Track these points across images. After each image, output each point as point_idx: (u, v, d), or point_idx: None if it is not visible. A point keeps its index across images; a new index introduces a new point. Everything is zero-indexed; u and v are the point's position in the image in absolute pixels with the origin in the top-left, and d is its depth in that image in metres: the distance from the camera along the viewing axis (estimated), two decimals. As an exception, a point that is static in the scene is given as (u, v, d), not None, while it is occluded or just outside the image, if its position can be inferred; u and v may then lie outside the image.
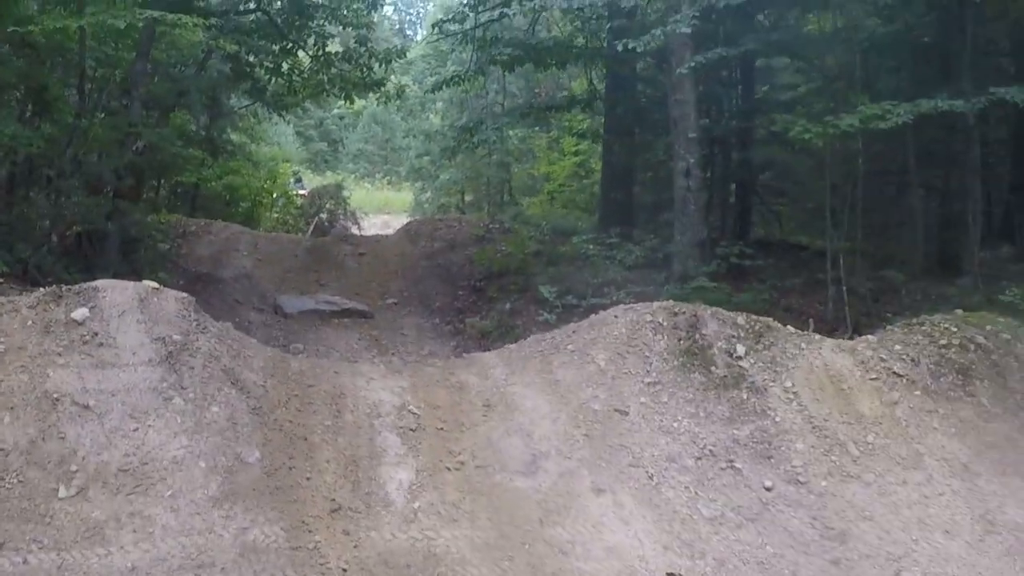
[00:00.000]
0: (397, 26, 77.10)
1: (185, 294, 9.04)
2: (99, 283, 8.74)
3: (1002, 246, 17.19)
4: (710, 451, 8.70)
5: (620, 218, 18.71)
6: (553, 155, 28.59)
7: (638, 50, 14.74)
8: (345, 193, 29.71)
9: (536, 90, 29.50)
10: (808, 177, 17.49)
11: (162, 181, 23.55)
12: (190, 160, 19.63)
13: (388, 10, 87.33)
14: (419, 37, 76.99)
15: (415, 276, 19.19)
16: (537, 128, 28.35)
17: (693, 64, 14.54)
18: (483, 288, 17.57)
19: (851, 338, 10.91)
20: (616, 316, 9.99)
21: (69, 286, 8.77)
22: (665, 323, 9.72)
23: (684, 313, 9.90)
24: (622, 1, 16.42)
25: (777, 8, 17.54)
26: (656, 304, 10.20)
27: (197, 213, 24.15)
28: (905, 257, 16.53)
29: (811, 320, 12.03)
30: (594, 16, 19.64)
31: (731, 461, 8.64)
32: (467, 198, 33.71)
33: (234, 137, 27.31)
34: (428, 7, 66.69)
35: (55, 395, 7.75)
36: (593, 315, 10.40)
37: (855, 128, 12.80)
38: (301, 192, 30.85)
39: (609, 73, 21.08)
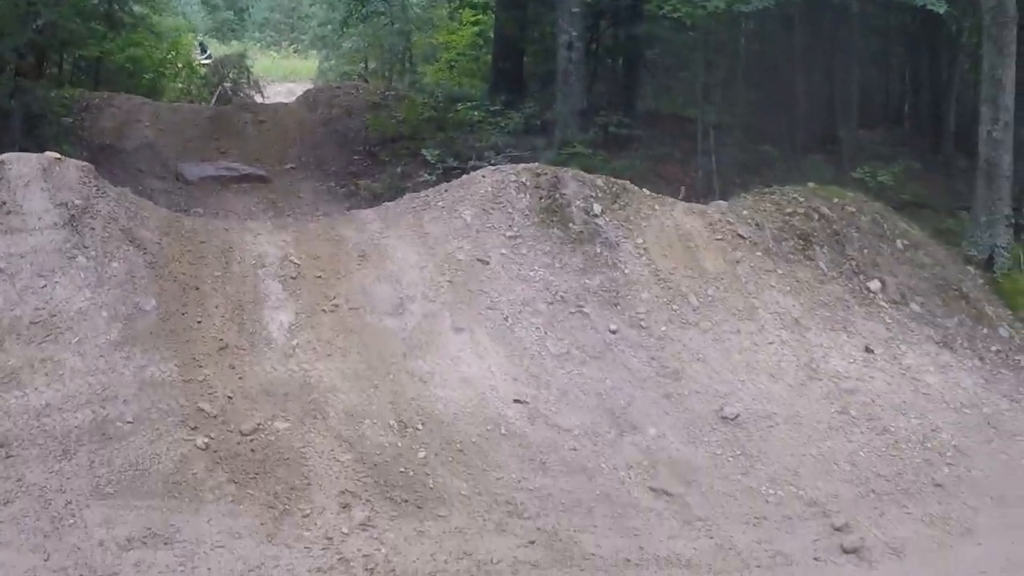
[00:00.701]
0: None
1: (85, 163, 9.47)
2: (4, 156, 9.08)
3: (882, 129, 18.04)
4: (562, 297, 9.45)
5: (510, 87, 19.13)
6: (453, 25, 28.56)
7: None
8: (248, 62, 29.41)
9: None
10: (693, 53, 18.02)
11: (64, 57, 23.14)
12: (91, 34, 19.58)
13: None
14: None
15: (313, 142, 19.27)
16: None
17: None
18: (377, 153, 17.80)
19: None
20: (484, 176, 10.63)
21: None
22: (528, 183, 10.36)
23: (546, 174, 10.57)
24: None
25: None
26: (522, 166, 10.85)
27: (101, 87, 23.44)
28: (784, 133, 17.28)
29: (682, 188, 12.70)
30: None
31: (580, 306, 9.41)
32: (369, 66, 33.56)
33: (136, 8, 26.73)
34: None
35: (-33, 261, 8.28)
36: (464, 175, 11.05)
37: (720, 9, 13.40)
38: (206, 61, 30.53)
39: None
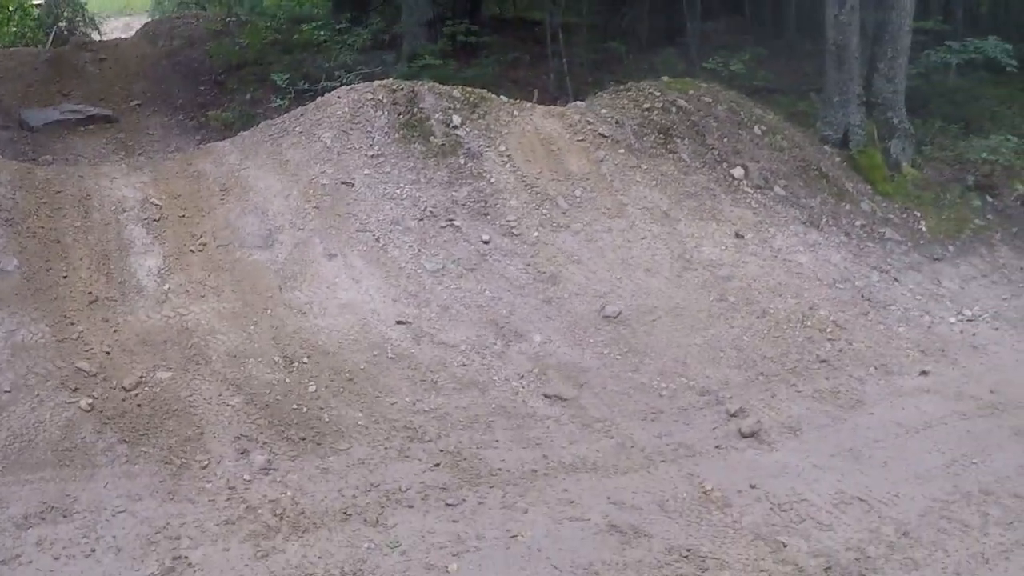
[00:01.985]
0: None
1: None
2: None
3: (725, 19, 18.17)
4: (431, 212, 9.33)
5: (353, 4, 18.68)
6: (290, -56, 27.94)
7: None
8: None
9: None
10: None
11: None
12: None
13: None
14: None
15: (157, 76, 18.73)
16: None
17: None
18: (223, 81, 17.37)
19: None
20: (339, 97, 10.40)
21: None
22: (385, 100, 10.19)
23: (403, 90, 10.39)
24: None
25: None
26: (376, 83, 10.64)
27: None
28: (630, 29, 17.32)
29: (535, 91, 12.63)
30: None
31: (451, 220, 9.31)
32: (207, -6, 32.66)
33: None
34: None
35: None
36: (319, 98, 10.75)
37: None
38: (38, 2, 29.28)
39: None
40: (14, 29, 27.01)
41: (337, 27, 15.35)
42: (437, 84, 10.76)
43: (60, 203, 8.93)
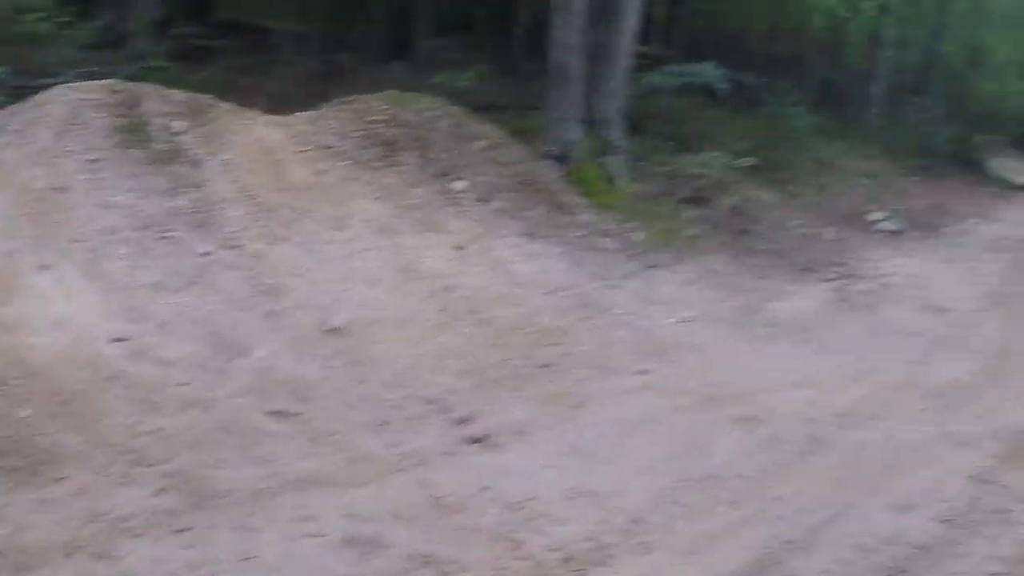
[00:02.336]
0: None
1: None
2: None
3: (455, 38, 18.48)
4: (149, 222, 9.07)
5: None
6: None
7: None
8: None
9: None
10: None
11: None
12: None
13: None
14: None
15: None
16: None
17: None
18: None
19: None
20: (58, 95, 10.04)
21: None
22: (106, 101, 9.92)
23: (124, 91, 10.16)
24: None
25: None
26: (97, 83, 10.33)
27: None
28: (361, 42, 17.41)
29: (263, 99, 12.55)
30: None
31: (169, 231, 9.08)
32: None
33: None
34: None
35: None
36: (37, 95, 10.33)
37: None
38: None
39: None
40: None
41: (61, 20, 14.77)
42: (161, 88, 10.53)
43: None
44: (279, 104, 12.88)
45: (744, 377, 8.72)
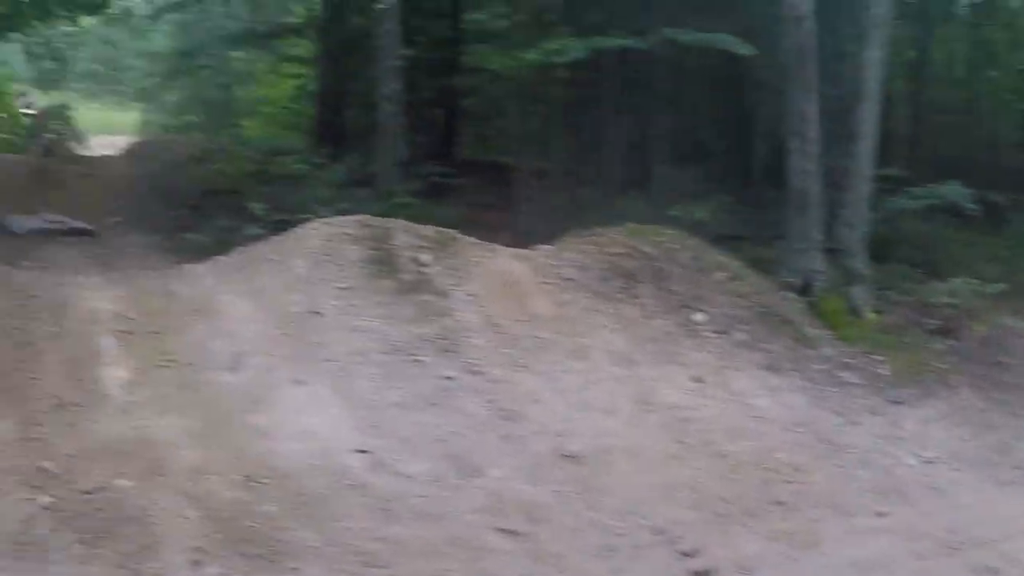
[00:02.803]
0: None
1: None
2: None
3: (692, 168, 18.63)
4: (397, 346, 9.48)
5: (332, 140, 19.28)
6: (273, 78, 28.55)
7: None
8: (71, 113, 28.80)
9: (258, 15, 29.23)
10: (510, 103, 18.41)
11: None
12: None
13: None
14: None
15: (138, 195, 19.08)
16: (260, 51, 28.26)
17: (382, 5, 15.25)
18: (201, 206, 17.56)
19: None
20: (314, 229, 10.69)
21: None
22: (358, 235, 10.47)
23: (376, 226, 10.71)
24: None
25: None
26: (351, 218, 10.95)
27: None
28: (601, 177, 17.74)
29: (506, 234, 12.90)
30: None
31: (416, 355, 9.45)
32: (193, 119, 33.11)
33: None
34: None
35: None
36: (294, 228, 11.01)
37: (537, 61, 13.79)
38: (29, 112, 29.68)
39: (324, 2, 21.45)
40: (3, 136, 27.39)
41: (315, 161, 15.79)
42: (409, 223, 11.05)
43: (36, 307, 9.13)
44: (521, 238, 13.24)
45: (988, 524, 8.28)
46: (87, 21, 29.19)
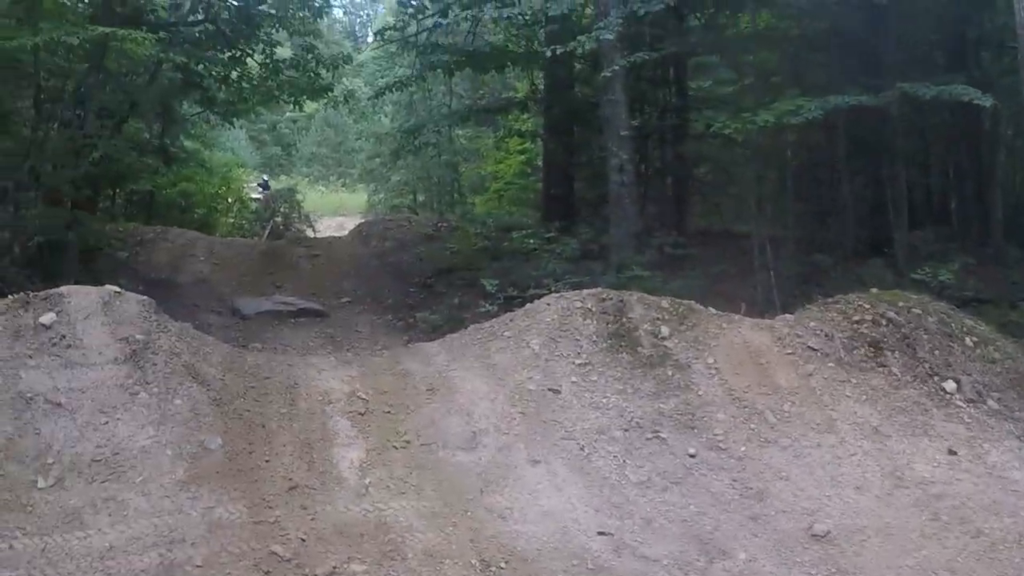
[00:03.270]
0: (348, 28, 77.44)
1: (145, 297, 9.64)
2: (64, 289, 9.31)
3: (931, 228, 18.01)
4: (637, 423, 9.38)
5: (561, 213, 19.45)
6: (500, 154, 28.97)
7: (574, 52, 15.51)
8: (299, 196, 29.96)
9: (481, 91, 29.86)
10: (742, 169, 18.17)
11: (118, 190, 23.82)
12: (144, 168, 20.30)
13: (338, 12, 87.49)
14: (370, 39, 77.46)
15: (367, 275, 19.58)
16: (484, 127, 29.00)
17: (619, 67, 15.27)
18: (432, 284, 18.06)
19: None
20: (549, 304, 10.71)
21: (36, 293, 9.34)
22: (594, 309, 10.44)
23: (611, 299, 10.64)
24: (551, 8, 16.97)
25: (705, 9, 18.33)
26: (586, 292, 10.94)
27: (154, 220, 24.32)
28: (836, 241, 17.33)
29: (743, 304, 12.67)
30: (527, 23, 20.00)
31: (657, 431, 9.32)
32: (419, 198, 34.01)
33: (187, 144, 27.39)
34: (378, 9, 67.14)
35: (28, 395, 8.35)
36: (529, 304, 11.07)
37: (770, 123, 13.56)
38: (258, 196, 31.00)
39: (547, 75, 21.68)
40: (232, 220, 28.66)
41: (545, 235, 15.88)
42: (645, 295, 10.97)
43: (267, 389, 9.42)
44: (759, 307, 13.01)
45: None
46: (311, 106, 30.34)
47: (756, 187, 15.59)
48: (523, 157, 27.64)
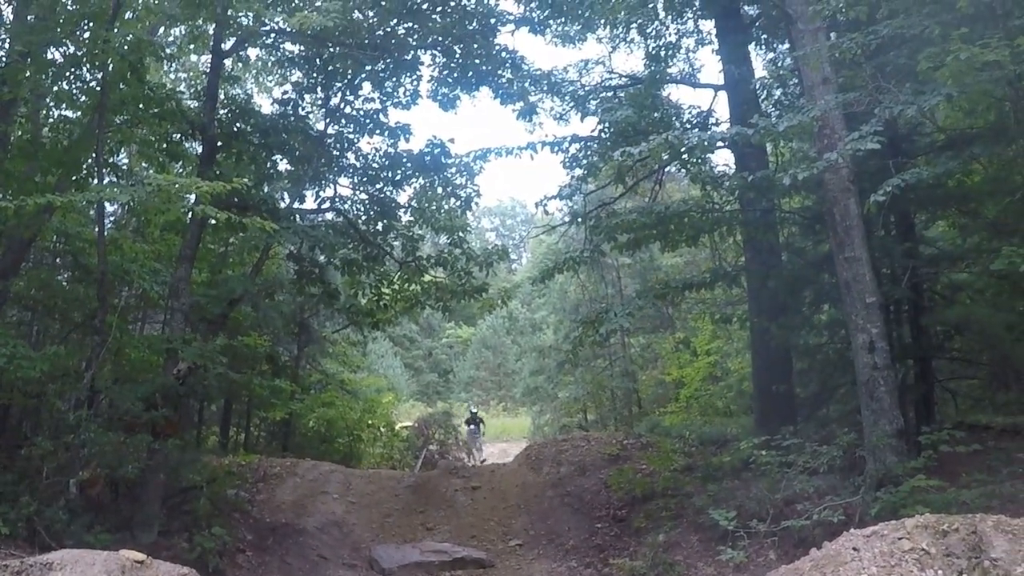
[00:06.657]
0: (501, 252, 76.46)
1: (187, 568, 6.08)
2: (59, 555, 5.97)
3: None
4: None
5: (781, 415, 15.01)
6: (683, 357, 25.60)
7: (795, 179, 11.37)
8: (456, 421, 26.98)
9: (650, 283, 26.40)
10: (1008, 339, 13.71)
11: (251, 419, 22.29)
12: (274, 393, 18.15)
13: (491, 236, 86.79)
14: (523, 261, 75.85)
15: (541, 509, 16.45)
16: (661, 332, 26.31)
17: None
18: (626, 517, 14.67)
19: None
20: (856, 549, 6.76)
21: (33, 559, 6.03)
22: (932, 549, 6.41)
23: (958, 530, 6.53)
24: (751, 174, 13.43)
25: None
26: (911, 522, 6.89)
27: (291, 451, 22.05)
28: None
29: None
30: (724, 178, 16.04)
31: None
32: (590, 416, 30.78)
33: (328, 365, 25.51)
34: (530, 229, 65.33)
35: None
36: (814, 550, 7.16)
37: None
38: (407, 424, 28.09)
39: (747, 243, 17.29)
40: (380, 450, 25.67)
41: (783, 445, 11.67)
42: (1005, 518, 6.81)
43: None
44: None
45: None
46: (468, 329, 28.30)
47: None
48: (710, 359, 24.25)
